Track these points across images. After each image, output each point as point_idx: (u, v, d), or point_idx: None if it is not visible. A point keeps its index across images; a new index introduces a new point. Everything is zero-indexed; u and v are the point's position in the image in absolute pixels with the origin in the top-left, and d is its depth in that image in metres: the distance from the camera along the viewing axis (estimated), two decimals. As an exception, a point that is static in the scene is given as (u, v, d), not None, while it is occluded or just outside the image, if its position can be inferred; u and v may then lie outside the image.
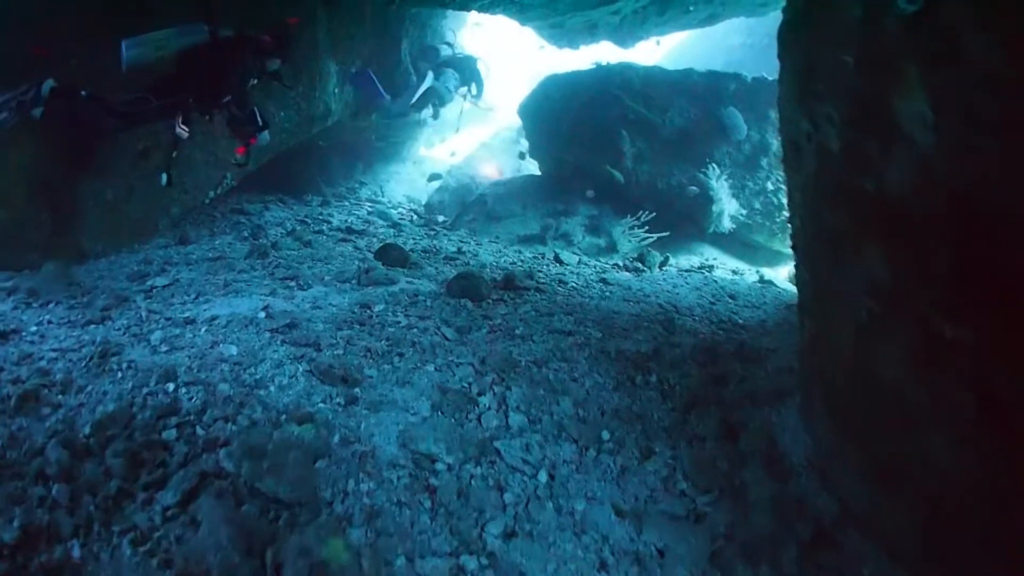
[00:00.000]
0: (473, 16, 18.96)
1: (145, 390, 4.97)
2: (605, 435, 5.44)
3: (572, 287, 9.87)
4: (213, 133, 9.13)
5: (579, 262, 12.26)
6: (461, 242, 12.96)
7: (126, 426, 4.52)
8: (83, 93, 6.64)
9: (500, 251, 12.47)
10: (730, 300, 10.09)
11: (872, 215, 3.38)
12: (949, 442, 3.18)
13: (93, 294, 7.28)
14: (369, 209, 15.45)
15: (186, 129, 7.52)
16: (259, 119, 8.19)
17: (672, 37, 21.11)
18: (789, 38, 4.60)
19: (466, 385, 5.85)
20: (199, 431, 4.65)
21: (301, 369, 5.62)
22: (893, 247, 3.28)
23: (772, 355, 6.89)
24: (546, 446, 5.21)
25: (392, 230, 13.38)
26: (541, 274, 10.52)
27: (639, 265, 12.01)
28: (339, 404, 5.28)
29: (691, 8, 16.01)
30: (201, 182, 10.23)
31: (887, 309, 3.42)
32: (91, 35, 7.80)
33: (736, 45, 24.30)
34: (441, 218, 16.20)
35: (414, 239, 12.50)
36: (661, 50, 23.82)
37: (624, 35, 17.21)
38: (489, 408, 5.58)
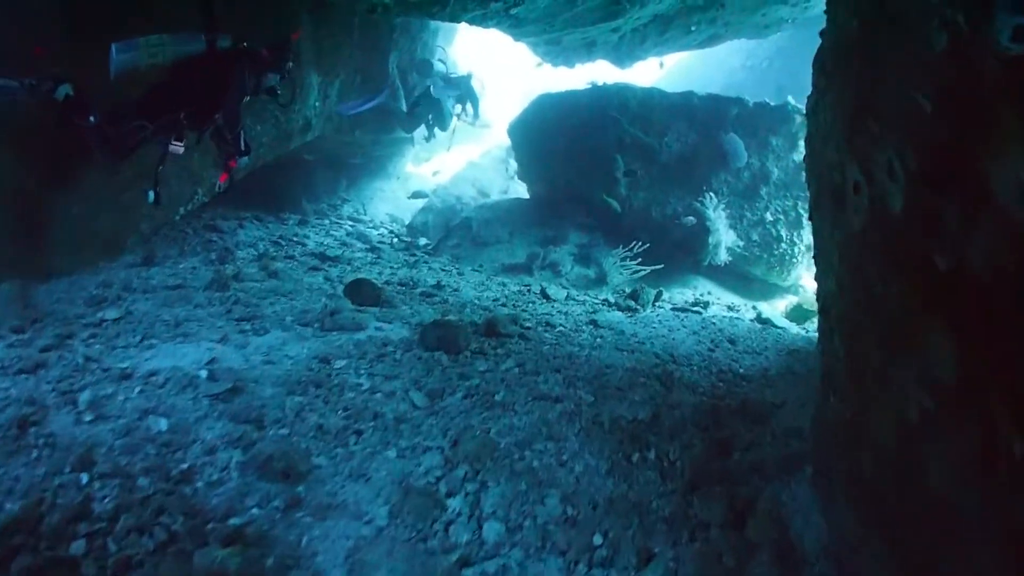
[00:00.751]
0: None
1: (58, 480, 4.40)
2: (598, 539, 4.63)
3: (560, 331, 9.09)
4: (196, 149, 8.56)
5: (567, 297, 11.42)
6: (443, 271, 12.14)
7: (32, 532, 3.97)
8: (92, 119, 6.34)
9: (483, 283, 11.59)
10: (729, 345, 9.36)
11: (944, 297, 2.74)
12: (1004, 563, 2.59)
13: (41, 324, 6.91)
14: (349, 229, 14.65)
15: (181, 145, 7.13)
16: (243, 143, 7.70)
17: (670, 58, 20.35)
18: (835, 65, 4.07)
19: (433, 481, 4.96)
20: (111, 545, 3.99)
21: (236, 459, 4.78)
22: (968, 340, 2.64)
23: (777, 411, 6.48)
24: (528, 565, 4.32)
25: (370, 254, 12.59)
26: (526, 314, 9.70)
27: (632, 303, 11.13)
28: (278, 509, 4.39)
29: (692, 28, 15.17)
30: (173, 197, 9.50)
31: (946, 410, 2.81)
32: (82, 34, 7.38)
33: (736, 67, 23.52)
34: (424, 241, 15.34)
35: (392, 267, 11.68)
36: (658, 70, 23.16)
37: (623, 54, 16.35)
38: (459, 514, 4.67)
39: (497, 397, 6.44)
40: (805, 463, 5.01)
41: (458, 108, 15.60)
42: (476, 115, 15.79)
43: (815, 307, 10.97)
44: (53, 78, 6.21)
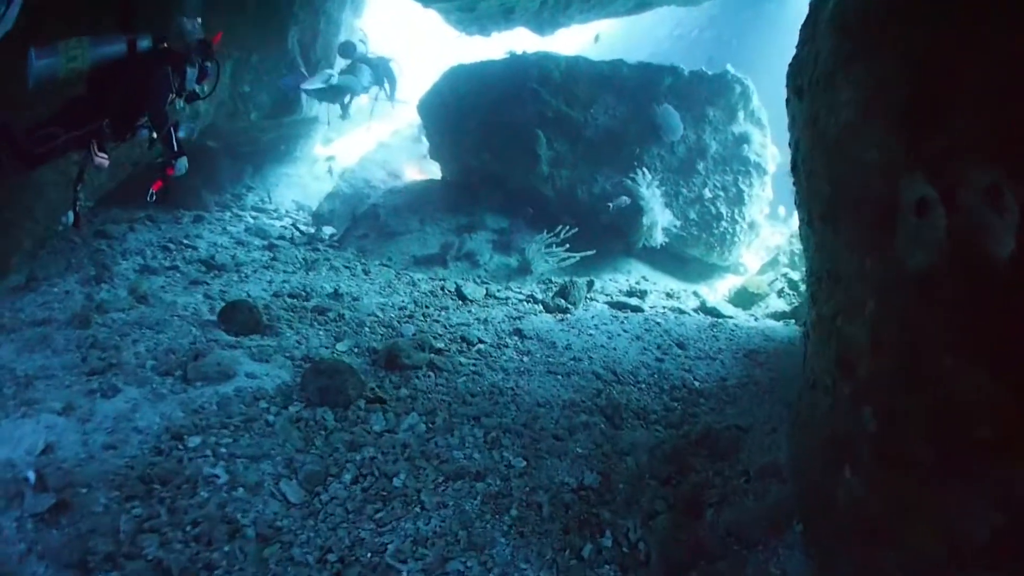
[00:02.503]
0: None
1: None
2: None
3: (480, 350, 7.57)
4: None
5: (487, 295, 9.69)
6: (346, 268, 10.31)
7: None
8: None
9: (390, 284, 9.77)
10: (679, 351, 8.09)
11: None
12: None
13: None
14: (249, 223, 12.68)
15: (105, 157, 6.38)
16: (175, 144, 6.92)
17: (593, 27, 18.67)
18: (868, 26, 3.24)
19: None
20: None
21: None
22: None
23: (745, 439, 5.61)
24: None
25: (267, 253, 10.63)
26: (438, 326, 8.16)
27: (562, 302, 9.35)
28: None
29: (622, -8, 13.45)
30: (52, 207, 8.20)
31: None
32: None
33: (663, 37, 21.87)
34: (329, 231, 13.44)
35: (286, 271, 9.81)
36: (578, 39, 21.48)
37: (544, 21, 14.55)
38: None
39: (397, 481, 5.09)
40: (792, 517, 4.20)
41: (375, 89, 14.54)
42: (393, 95, 14.62)
43: (760, 290, 9.59)
44: None
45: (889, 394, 3.03)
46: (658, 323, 8.81)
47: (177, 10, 8.34)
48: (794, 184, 5.07)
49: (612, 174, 12.21)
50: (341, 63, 14.24)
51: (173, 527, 4.34)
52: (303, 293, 8.73)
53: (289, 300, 8.45)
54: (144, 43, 6.38)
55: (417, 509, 4.69)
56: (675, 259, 12.85)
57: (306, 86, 12.58)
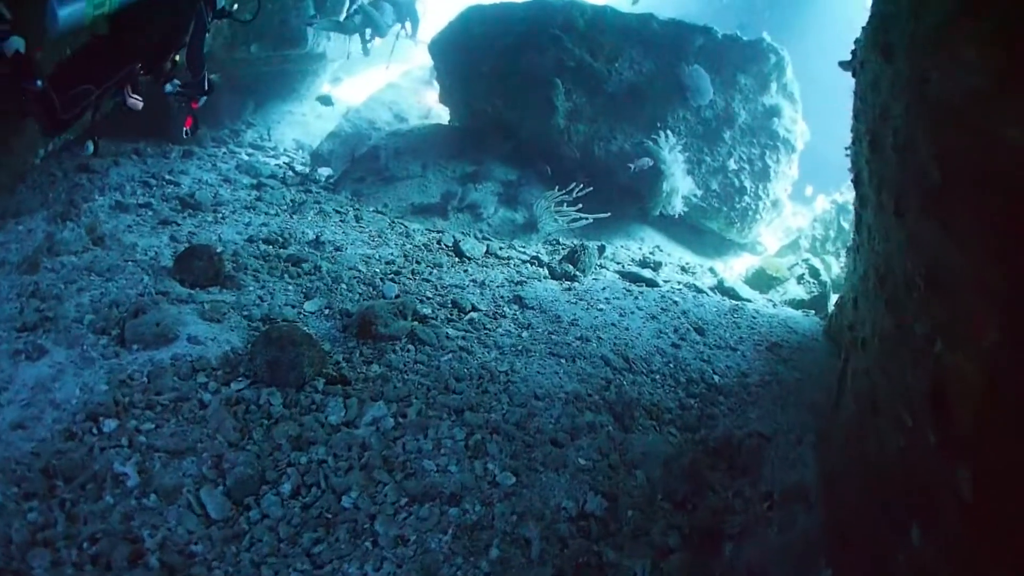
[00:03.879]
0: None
1: None
2: None
3: (471, 320, 6.37)
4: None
5: (487, 253, 8.43)
6: (336, 212, 9.07)
7: None
8: (39, 83, 5.02)
9: (381, 233, 8.50)
10: (697, 337, 6.91)
11: None
12: None
13: None
14: (242, 160, 11.33)
15: (139, 98, 6.01)
16: (207, 82, 6.50)
17: None
18: None
19: None
20: None
21: None
22: None
23: (768, 452, 4.88)
24: None
25: (253, 193, 9.36)
26: (428, 286, 6.97)
27: (569, 268, 8.06)
28: None
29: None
30: (31, 139, 7.29)
31: None
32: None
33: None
34: (326, 173, 12.11)
35: (268, 214, 8.54)
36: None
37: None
38: None
39: (347, 499, 3.99)
40: (818, 555, 3.54)
41: (398, 27, 14.14)
42: (414, 34, 14.32)
43: (779, 273, 9.98)
44: (8, 23, 4.75)
45: (1002, 458, 2.17)
46: (675, 302, 7.59)
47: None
48: (860, 161, 4.33)
49: (633, 133, 10.90)
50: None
51: (68, 542, 3.48)
52: (280, 239, 7.54)
53: (263, 247, 7.28)
54: None
55: (368, 544, 3.61)
56: (691, 230, 11.63)
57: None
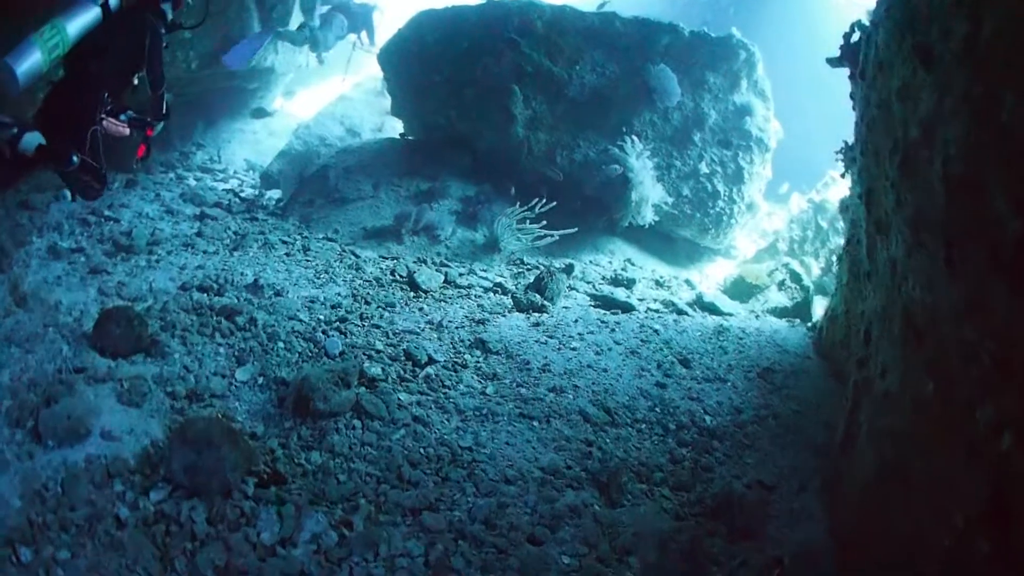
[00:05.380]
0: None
1: None
2: None
3: (427, 380, 5.39)
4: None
5: (445, 283, 7.46)
6: (282, 243, 8.12)
7: None
8: (74, 160, 4.96)
9: (329, 267, 7.52)
10: (683, 370, 6.09)
11: None
12: None
13: None
14: (187, 187, 10.34)
15: (124, 123, 5.70)
16: (164, 106, 6.17)
17: None
18: None
19: None
20: None
21: None
22: None
23: (771, 505, 4.39)
24: None
25: (195, 225, 8.43)
26: (377, 334, 6.01)
27: (536, 298, 7.10)
28: None
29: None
30: None
31: None
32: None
33: (656, -1, 19.21)
34: (276, 195, 11.14)
35: (208, 251, 7.63)
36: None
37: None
38: None
39: None
40: None
41: (353, 37, 13.57)
42: (372, 44, 13.53)
43: (759, 281, 9.11)
44: (14, 123, 4.69)
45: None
46: (655, 331, 6.70)
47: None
48: (877, 180, 3.84)
49: (597, 140, 9.96)
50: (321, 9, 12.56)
51: None
52: (216, 285, 6.60)
53: (197, 295, 6.36)
54: (113, 1, 5.36)
55: None
56: (663, 238, 10.71)
57: (239, 61, 10.94)
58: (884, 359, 3.56)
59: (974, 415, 2.41)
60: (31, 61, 4.69)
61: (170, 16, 6.04)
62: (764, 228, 12.01)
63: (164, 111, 6.18)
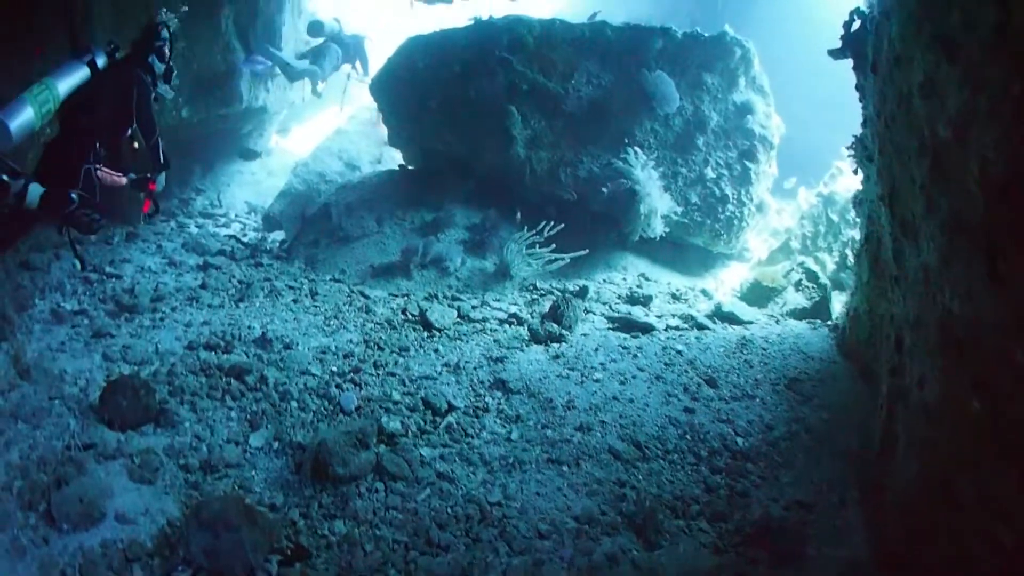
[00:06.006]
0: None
1: None
2: None
3: (449, 430, 5.17)
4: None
5: (458, 318, 7.27)
6: (290, 288, 7.97)
7: None
8: (73, 198, 5.20)
9: (338, 312, 7.34)
10: (710, 391, 5.93)
11: None
12: None
13: None
14: (187, 238, 10.08)
15: (120, 174, 5.83)
16: (161, 155, 6.21)
17: None
18: None
19: None
20: None
21: None
22: None
23: (812, 525, 4.23)
24: None
25: (199, 276, 8.27)
26: (393, 382, 5.80)
27: (554, 327, 6.86)
28: None
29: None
30: None
31: None
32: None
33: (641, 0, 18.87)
34: (279, 237, 10.94)
35: (213, 304, 7.44)
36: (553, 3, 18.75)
37: (515, -20, 11.79)
38: None
39: None
40: None
41: (347, 67, 13.52)
42: (365, 73, 13.50)
43: (776, 283, 8.92)
44: (9, 173, 4.85)
45: None
46: (678, 352, 6.52)
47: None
48: (900, 180, 3.68)
49: (600, 154, 9.70)
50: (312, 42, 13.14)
51: None
52: (223, 342, 6.42)
53: (204, 355, 6.20)
54: (100, 59, 5.69)
55: None
56: (674, 247, 10.37)
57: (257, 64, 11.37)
58: (921, 369, 3.37)
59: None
60: (23, 117, 4.90)
61: (158, 68, 6.31)
62: (775, 227, 11.70)
63: (163, 160, 6.26)
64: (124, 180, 5.88)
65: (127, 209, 9.09)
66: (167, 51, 6.44)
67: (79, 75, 5.46)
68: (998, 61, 2.31)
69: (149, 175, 6.20)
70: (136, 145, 6.07)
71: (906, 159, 3.49)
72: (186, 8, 7.53)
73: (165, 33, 6.38)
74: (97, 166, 5.59)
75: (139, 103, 5.93)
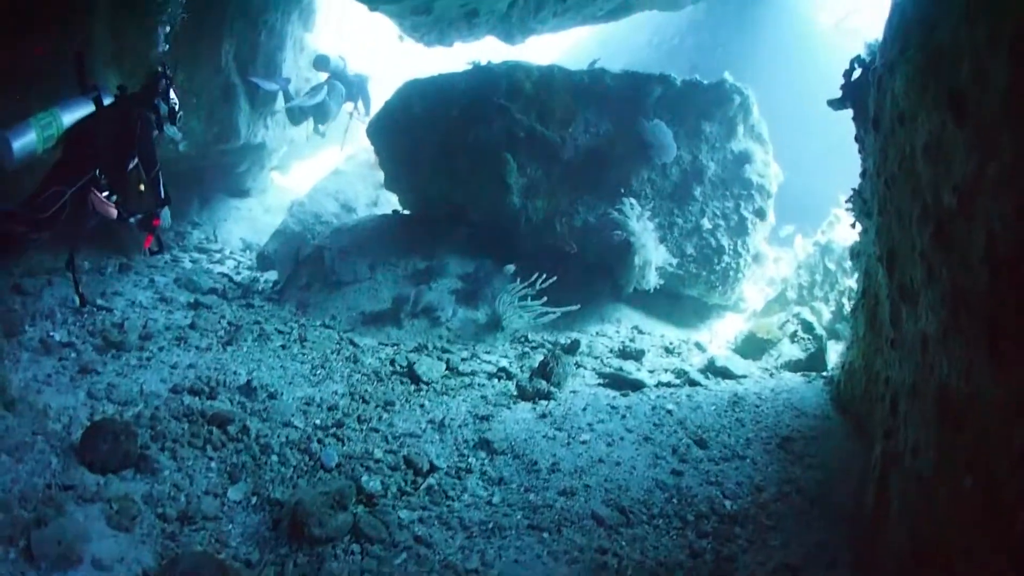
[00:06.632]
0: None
1: None
2: None
3: (430, 492, 5.14)
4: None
5: (446, 371, 7.26)
6: (279, 332, 7.97)
7: None
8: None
9: (325, 360, 7.33)
10: (699, 451, 5.80)
11: None
12: None
13: None
14: (179, 273, 10.09)
15: (111, 204, 5.97)
16: (162, 191, 6.50)
17: (565, 38, 16.82)
18: None
19: None
20: None
21: None
22: None
23: None
24: None
25: (189, 315, 8.24)
26: (376, 438, 5.78)
27: (542, 384, 6.84)
28: None
29: (601, -10, 10.89)
30: None
31: None
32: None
33: (642, 45, 19.28)
34: (272, 277, 10.99)
35: (200, 346, 7.40)
36: (551, 51, 18.99)
37: (513, 27, 11.94)
38: None
39: None
40: None
41: (350, 106, 13.86)
42: (367, 113, 13.63)
43: (771, 335, 8.82)
44: None
45: None
46: (668, 411, 6.45)
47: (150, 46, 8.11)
48: (901, 244, 3.55)
49: (596, 203, 9.74)
50: (314, 77, 13.47)
51: None
52: (208, 388, 6.38)
53: (188, 400, 6.12)
54: (107, 98, 6.07)
55: None
56: (669, 298, 10.35)
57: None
58: (915, 437, 3.28)
59: (1020, 523, 2.18)
60: (27, 139, 5.31)
61: (164, 110, 6.68)
62: (771, 276, 11.71)
63: (164, 196, 6.53)
64: (115, 212, 6.04)
65: (124, 239, 9.21)
66: (173, 95, 6.78)
67: (84, 109, 5.84)
68: (1011, 123, 2.18)
69: (153, 211, 6.47)
70: (142, 187, 6.33)
71: (907, 223, 3.36)
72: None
73: (169, 80, 6.72)
74: (92, 190, 5.81)
75: (141, 137, 6.23)
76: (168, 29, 8.11)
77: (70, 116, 5.73)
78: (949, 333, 2.73)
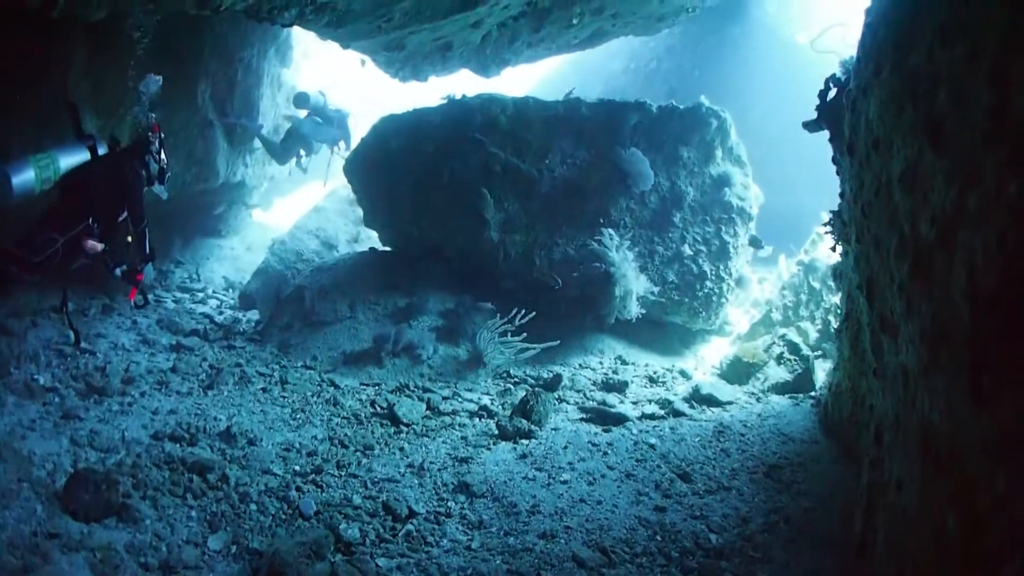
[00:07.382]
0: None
1: None
2: None
3: (408, 539, 5.15)
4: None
5: (427, 412, 7.35)
6: (260, 374, 8.10)
7: None
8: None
9: (306, 404, 7.43)
10: (683, 486, 5.83)
11: None
12: None
13: None
14: (161, 314, 10.23)
15: (99, 243, 6.18)
16: (147, 245, 6.72)
17: (541, 66, 17.20)
18: None
19: None
20: None
21: None
22: None
23: None
24: None
25: (171, 358, 8.38)
26: (355, 484, 5.83)
27: (523, 424, 6.87)
28: None
29: (574, 22, 11.02)
30: None
31: None
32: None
33: (617, 71, 19.37)
34: (254, 317, 11.02)
35: (181, 390, 7.51)
36: (526, 82, 19.18)
37: (487, 59, 12.00)
38: None
39: None
40: None
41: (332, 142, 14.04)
42: (348, 149, 13.48)
43: (757, 359, 8.87)
44: None
45: None
46: (651, 445, 6.51)
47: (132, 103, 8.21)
48: (879, 274, 3.49)
49: (575, 235, 9.81)
50: (295, 113, 13.51)
51: None
52: (188, 434, 6.46)
53: (168, 447, 6.21)
54: (101, 148, 6.32)
55: None
56: (653, 326, 10.37)
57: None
58: (899, 471, 3.20)
59: (1002, 568, 2.07)
60: (25, 176, 5.59)
61: (154, 169, 6.94)
62: (756, 297, 11.76)
63: (148, 251, 6.73)
64: (100, 247, 6.21)
65: (107, 280, 9.26)
66: (163, 155, 7.02)
67: (79, 156, 6.11)
68: (993, 152, 2.05)
69: (137, 266, 6.60)
70: (130, 239, 6.59)
71: (885, 254, 3.23)
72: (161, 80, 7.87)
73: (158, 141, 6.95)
74: (83, 235, 6.03)
75: (131, 190, 6.50)
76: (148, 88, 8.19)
77: (66, 161, 5.98)
78: (930, 369, 2.63)
